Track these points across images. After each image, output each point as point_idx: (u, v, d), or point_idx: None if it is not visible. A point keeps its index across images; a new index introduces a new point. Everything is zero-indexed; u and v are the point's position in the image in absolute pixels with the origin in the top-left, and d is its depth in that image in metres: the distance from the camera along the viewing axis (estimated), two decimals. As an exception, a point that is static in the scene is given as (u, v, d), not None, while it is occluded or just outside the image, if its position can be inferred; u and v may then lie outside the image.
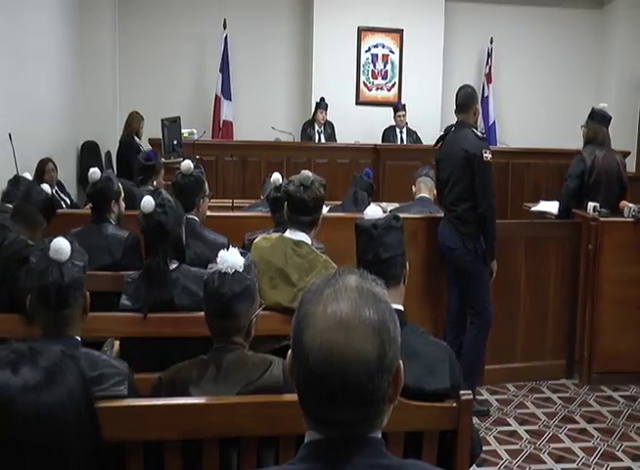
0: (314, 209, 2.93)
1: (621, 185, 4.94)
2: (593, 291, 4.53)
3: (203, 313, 2.09)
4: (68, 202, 5.78)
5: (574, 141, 5.14)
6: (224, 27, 8.73)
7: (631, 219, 4.59)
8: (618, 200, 4.90)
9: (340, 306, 1.02)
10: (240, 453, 1.93)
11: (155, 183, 4.43)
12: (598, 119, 4.95)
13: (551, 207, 5.29)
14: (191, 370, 1.98)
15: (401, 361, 1.06)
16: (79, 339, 1.91)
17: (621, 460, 3.59)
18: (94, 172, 3.46)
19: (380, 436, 1.07)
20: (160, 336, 2.61)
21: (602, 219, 4.54)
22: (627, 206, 4.75)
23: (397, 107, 8.35)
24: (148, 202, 2.70)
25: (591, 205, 4.68)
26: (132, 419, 1.84)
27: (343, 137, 8.30)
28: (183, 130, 6.97)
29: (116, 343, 2.73)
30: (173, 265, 2.72)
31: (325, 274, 1.10)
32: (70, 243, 1.91)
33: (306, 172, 3.01)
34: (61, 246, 1.88)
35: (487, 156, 3.89)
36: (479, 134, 3.99)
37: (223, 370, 1.97)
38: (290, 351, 1.07)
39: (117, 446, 1.82)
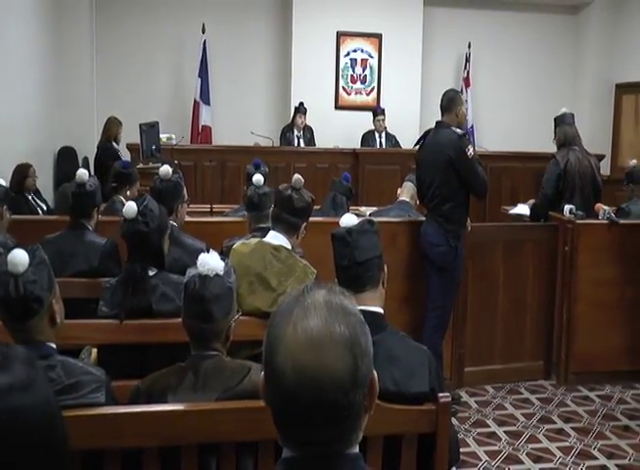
0: (301, 211, 2.97)
1: (596, 188, 5.00)
2: (570, 292, 4.58)
3: (181, 320, 2.08)
4: (45, 208, 5.72)
5: (552, 144, 5.20)
6: (203, 32, 8.72)
7: (606, 221, 4.65)
8: (593, 202, 4.97)
9: (309, 325, 1.01)
10: (219, 460, 1.92)
11: (128, 193, 4.39)
12: (561, 122, 5.02)
13: (528, 209, 5.35)
14: (169, 378, 1.97)
15: (375, 372, 1.05)
16: (54, 346, 1.89)
17: (597, 459, 3.63)
18: (83, 173, 3.43)
19: (357, 450, 1.07)
20: (138, 343, 2.60)
21: (578, 222, 4.60)
22: (602, 208, 4.82)
23: (376, 111, 8.38)
24: (130, 208, 2.68)
25: (567, 207, 4.74)
26: (110, 427, 1.84)
27: (323, 142, 8.32)
28: (161, 135, 6.95)
29: (94, 350, 2.71)
30: (152, 272, 2.70)
31: (293, 292, 1.09)
32: (32, 254, 1.86)
33: (298, 176, 3.06)
34: (17, 258, 1.83)
35: (470, 152, 3.95)
36: (458, 131, 4.04)
37: (201, 377, 1.96)
38: (262, 373, 1.06)
39: (95, 454, 1.81)
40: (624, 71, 9.54)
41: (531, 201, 5.23)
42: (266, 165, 4.51)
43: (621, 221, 4.68)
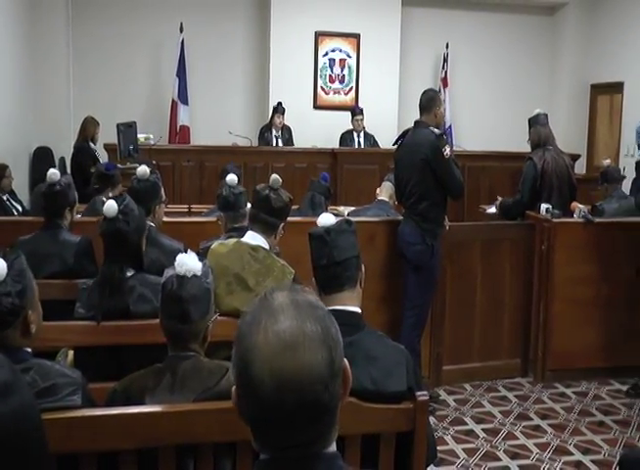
0: (278, 211, 2.97)
1: (571, 187, 5.06)
2: (546, 290, 4.63)
3: (158, 321, 2.07)
4: (20, 209, 5.66)
5: (528, 144, 5.26)
6: (181, 31, 8.68)
7: (582, 220, 4.71)
8: (569, 201, 5.03)
9: (281, 328, 1.00)
10: (196, 461, 1.92)
11: (110, 195, 4.37)
12: (535, 123, 5.07)
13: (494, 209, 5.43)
14: (146, 379, 1.96)
15: (345, 360, 1.06)
16: (29, 350, 1.87)
17: (573, 454, 3.68)
18: (53, 173, 3.39)
19: (334, 448, 1.07)
20: (115, 344, 2.59)
21: (554, 220, 4.65)
22: (578, 207, 4.88)
23: (355, 111, 8.41)
24: (111, 207, 2.67)
25: (544, 206, 4.79)
26: (86, 429, 1.82)
27: (301, 141, 8.32)
28: (139, 135, 6.91)
29: (70, 352, 2.69)
30: (129, 273, 2.69)
31: (253, 301, 1.07)
32: (10, 264, 1.81)
33: (276, 176, 3.07)
34: None
35: (447, 152, 3.98)
36: (436, 131, 4.06)
37: (179, 378, 1.96)
38: (233, 389, 1.04)
39: (70, 457, 1.80)
40: (599, 72, 9.66)
41: (498, 201, 5.27)
42: (240, 168, 4.52)
43: (597, 220, 4.73)
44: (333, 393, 1.01)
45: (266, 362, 0.99)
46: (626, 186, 6.76)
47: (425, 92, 4.26)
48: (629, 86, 9.10)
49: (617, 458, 2.89)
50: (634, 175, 6.52)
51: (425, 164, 3.99)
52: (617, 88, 9.38)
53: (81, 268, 3.17)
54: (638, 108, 8.22)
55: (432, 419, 3.94)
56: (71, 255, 3.22)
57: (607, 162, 5.73)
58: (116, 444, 1.85)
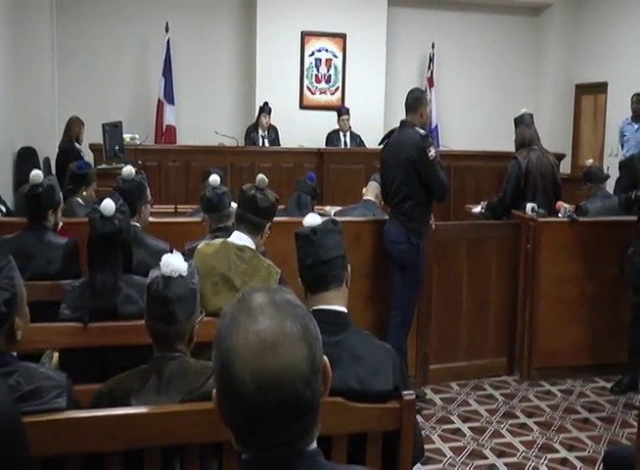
0: (265, 211, 2.97)
1: (556, 186, 5.10)
2: (532, 289, 4.66)
3: (144, 322, 2.07)
4: (4, 210, 5.61)
5: (514, 143, 5.29)
6: (166, 31, 8.65)
7: (567, 219, 4.74)
8: (554, 200, 5.06)
9: (261, 328, 1.00)
10: (183, 462, 1.92)
11: (84, 194, 4.35)
12: (520, 123, 5.12)
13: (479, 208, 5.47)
14: (132, 381, 1.96)
15: (325, 357, 1.06)
16: (14, 354, 1.86)
17: (558, 452, 3.71)
18: (36, 175, 3.36)
19: (315, 445, 1.07)
20: (101, 346, 2.57)
21: (540, 220, 4.67)
22: (563, 206, 4.91)
23: (341, 110, 8.42)
24: (109, 205, 2.64)
25: (529, 205, 4.82)
26: (72, 432, 1.81)
27: (287, 141, 8.32)
28: (125, 135, 6.87)
29: (55, 354, 2.67)
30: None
31: (230, 303, 1.07)
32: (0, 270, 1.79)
33: (262, 176, 3.07)
34: None
35: (432, 153, 3.98)
36: (422, 132, 4.07)
37: (165, 379, 1.95)
38: (214, 392, 1.04)
39: (56, 460, 1.79)
40: (584, 72, 9.74)
41: (485, 203, 5.32)
42: (223, 171, 4.54)
43: (581, 219, 4.77)
44: (314, 390, 1.02)
45: (247, 363, 0.99)
46: (610, 185, 6.83)
47: (411, 91, 4.26)
48: (613, 86, 9.18)
49: (602, 455, 2.91)
50: (618, 175, 6.58)
51: (409, 163, 4.00)
52: (600, 88, 9.45)
53: (68, 271, 3.15)
54: (621, 108, 8.27)
55: (418, 418, 3.95)
56: (58, 257, 3.20)
57: (589, 162, 5.78)
58: (102, 446, 1.84)
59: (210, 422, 1.88)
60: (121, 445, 1.85)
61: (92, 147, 6.98)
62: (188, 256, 2.97)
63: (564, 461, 3.61)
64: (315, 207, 4.71)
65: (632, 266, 4.36)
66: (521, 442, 3.80)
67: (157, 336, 2.03)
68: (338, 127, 8.39)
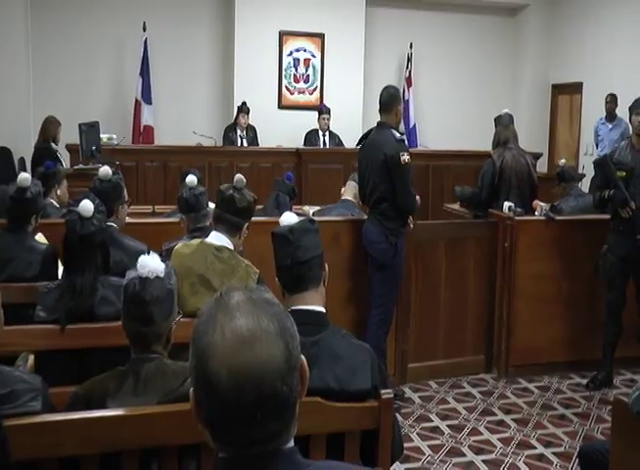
0: (243, 211, 2.97)
1: (532, 185, 5.16)
2: (510, 287, 4.70)
3: (121, 323, 2.06)
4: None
5: (492, 143, 5.35)
6: (144, 30, 8.59)
7: (543, 218, 4.79)
8: (531, 199, 5.12)
9: (237, 325, 1.00)
10: (161, 464, 1.91)
11: (58, 192, 4.31)
12: (498, 123, 5.21)
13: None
14: (108, 383, 1.94)
15: (302, 355, 1.07)
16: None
17: (536, 448, 3.75)
18: (25, 179, 3.33)
19: (292, 444, 1.07)
20: (78, 348, 2.55)
21: (517, 218, 4.72)
22: (539, 205, 4.97)
23: (322, 109, 8.42)
24: (87, 206, 2.62)
25: (506, 204, 4.86)
26: (47, 435, 1.79)
27: (266, 141, 8.31)
28: (102, 135, 6.83)
29: (31, 357, 2.65)
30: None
31: (208, 301, 1.07)
32: None
33: (240, 176, 3.06)
34: None
35: (405, 158, 4.00)
36: (397, 136, 4.09)
37: (142, 381, 1.94)
38: (191, 391, 1.04)
39: (32, 464, 1.77)
40: (560, 72, 9.85)
41: (460, 188, 5.40)
42: (199, 170, 4.55)
43: (557, 218, 4.82)
44: (291, 387, 1.02)
45: (223, 359, 0.99)
46: (586, 184, 6.91)
47: (386, 88, 4.25)
48: (588, 86, 9.29)
49: (577, 450, 2.95)
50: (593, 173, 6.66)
51: (385, 165, 4.03)
52: (576, 88, 9.56)
53: (46, 276, 3.12)
54: (596, 107, 8.38)
55: (397, 417, 3.96)
56: (37, 261, 3.17)
57: (562, 162, 5.86)
58: (78, 449, 1.82)
59: (188, 423, 1.87)
60: (98, 447, 1.83)
61: (69, 147, 6.91)
62: (165, 256, 2.96)
63: (540, 457, 3.65)
64: (294, 206, 4.71)
65: (605, 264, 4.42)
66: (498, 438, 3.84)
67: (134, 337, 2.02)
68: (317, 127, 8.39)
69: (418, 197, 4.23)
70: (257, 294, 1.07)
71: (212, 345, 1.00)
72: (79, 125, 6.25)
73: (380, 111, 4.20)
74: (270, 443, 1.03)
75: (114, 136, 7.36)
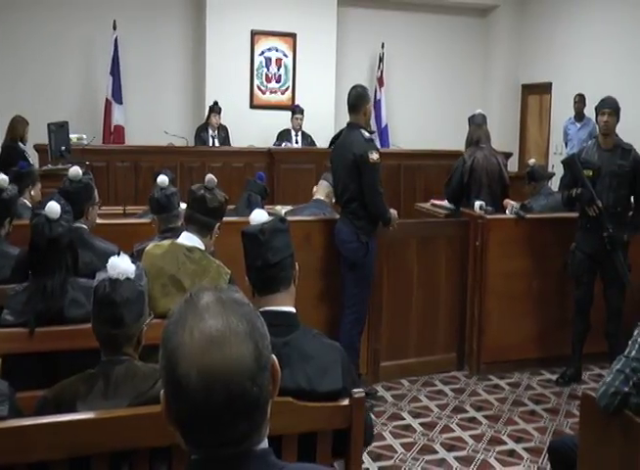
0: (214, 211, 2.96)
1: (503, 184, 5.22)
2: (481, 286, 4.75)
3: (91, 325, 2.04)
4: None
5: (463, 142, 5.41)
6: (114, 29, 8.50)
7: (514, 216, 4.85)
8: (502, 198, 5.18)
9: (207, 325, 1.01)
10: (132, 467, 1.89)
11: (32, 193, 4.26)
12: (471, 122, 5.28)
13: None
14: (78, 386, 1.93)
15: (273, 356, 1.07)
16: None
17: (506, 444, 3.80)
18: (3, 180, 3.27)
19: (266, 445, 1.07)
20: (47, 351, 2.52)
21: (488, 217, 4.77)
22: (510, 203, 5.03)
23: (295, 109, 8.42)
24: (54, 208, 2.58)
25: (477, 203, 4.92)
26: (14, 441, 1.77)
27: (238, 141, 8.29)
28: (71, 135, 6.74)
29: (-2, 361, 2.61)
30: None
31: (178, 302, 1.07)
32: None
33: (211, 176, 3.05)
34: None
35: (373, 157, 4.02)
36: (366, 135, 4.11)
37: (112, 383, 1.93)
38: (161, 393, 1.04)
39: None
40: (530, 73, 9.97)
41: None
42: (171, 171, 4.54)
43: (528, 216, 4.88)
44: (261, 387, 1.02)
45: (193, 359, 0.99)
46: (556, 183, 7.01)
47: (354, 88, 4.26)
48: (557, 86, 9.42)
49: (547, 445, 3.00)
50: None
51: (354, 165, 4.05)
52: (545, 88, 9.69)
53: (18, 281, 3.07)
54: (565, 107, 8.51)
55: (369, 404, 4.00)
56: (8, 266, 3.12)
57: (531, 161, 5.94)
58: (47, 454, 1.80)
59: (159, 425, 1.86)
60: (67, 452, 1.81)
61: (37, 147, 6.82)
62: (137, 257, 2.94)
63: (511, 453, 3.69)
64: (266, 206, 4.70)
65: (574, 261, 4.49)
66: (470, 435, 3.88)
67: (104, 340, 2.00)
68: (289, 127, 8.39)
69: (395, 211, 4.24)
70: (227, 294, 1.07)
71: (182, 345, 1.00)
72: (48, 125, 6.17)
73: (349, 111, 4.22)
74: (241, 443, 1.03)
75: (84, 136, 7.28)
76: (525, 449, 3.73)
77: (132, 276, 2.01)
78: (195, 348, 0.99)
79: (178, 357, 1.00)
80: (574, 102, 8.11)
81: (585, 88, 8.02)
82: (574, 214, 4.60)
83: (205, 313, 1.02)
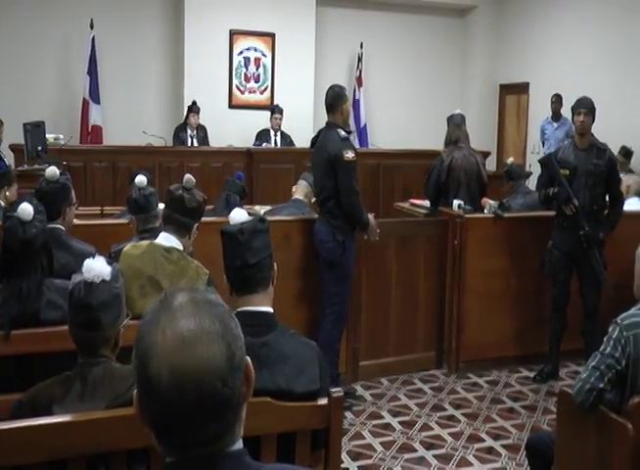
0: (192, 211, 2.95)
1: (481, 183, 5.27)
2: (459, 284, 4.78)
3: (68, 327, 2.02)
4: None
5: (442, 142, 5.45)
6: (91, 28, 8.42)
7: (492, 215, 4.89)
8: (480, 197, 5.22)
9: (180, 325, 1.01)
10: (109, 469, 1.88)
11: (7, 193, 4.22)
12: (450, 122, 5.32)
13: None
14: (54, 388, 1.91)
15: (248, 357, 1.08)
16: None
17: (485, 441, 3.83)
18: None
19: (241, 445, 1.08)
20: (23, 353, 2.50)
21: (466, 216, 4.80)
22: (488, 202, 5.07)
23: (274, 109, 8.41)
24: (27, 209, 2.55)
25: (456, 202, 4.95)
26: (-10, 444, 1.76)
27: (217, 141, 8.26)
28: (48, 135, 6.67)
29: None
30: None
31: (155, 300, 1.08)
32: None
33: (189, 176, 3.04)
34: None
35: (348, 155, 4.03)
36: (342, 134, 4.11)
37: (90, 385, 1.91)
38: (135, 392, 1.04)
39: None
40: (507, 73, 10.05)
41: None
42: (149, 171, 4.51)
43: (506, 215, 4.92)
44: (233, 388, 1.02)
45: (164, 359, 0.99)
46: (534, 182, 7.07)
47: (331, 88, 4.27)
48: (534, 86, 9.52)
49: (525, 441, 3.03)
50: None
51: (330, 164, 4.06)
52: (522, 88, 9.78)
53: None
54: (542, 107, 8.59)
55: (349, 415, 4.01)
56: None
57: (510, 160, 6.00)
58: (23, 458, 1.78)
59: (136, 427, 1.85)
60: (43, 456, 1.79)
61: (12, 147, 6.74)
62: (114, 258, 2.92)
63: (490, 450, 3.73)
64: (245, 206, 4.70)
65: (551, 259, 4.54)
66: (449, 433, 3.90)
67: (80, 342, 1.99)
68: (268, 127, 8.38)
69: (375, 222, 4.24)
70: (201, 295, 1.07)
71: (154, 345, 1.01)
72: (24, 125, 6.10)
73: (326, 111, 4.24)
74: (214, 444, 1.03)
75: (61, 136, 7.20)
76: (504, 446, 3.76)
77: (108, 278, 1.99)
78: (167, 347, 1.00)
79: (150, 357, 1.00)
80: (551, 102, 8.20)
81: (562, 88, 8.11)
82: (552, 213, 4.64)
83: (178, 313, 1.03)
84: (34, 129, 6.19)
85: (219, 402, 1.01)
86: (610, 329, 2.39)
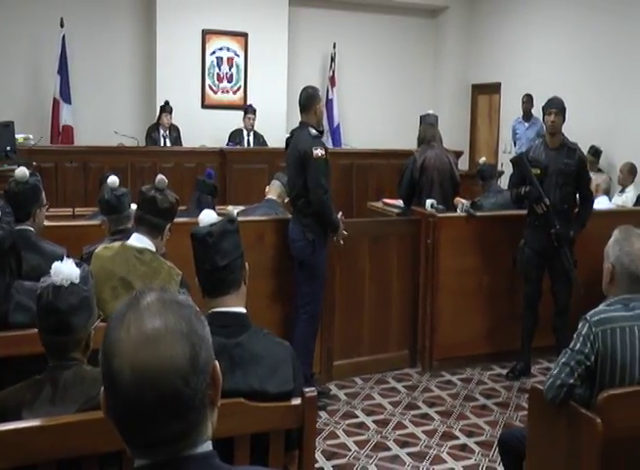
0: (164, 212, 2.93)
1: (454, 183, 5.30)
2: (432, 283, 4.81)
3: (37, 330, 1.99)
4: None
5: (415, 141, 5.48)
6: (61, 26, 8.30)
7: (464, 214, 4.93)
8: (453, 196, 5.26)
9: (144, 323, 1.02)
10: (80, 474, 1.86)
11: None
12: (423, 122, 5.38)
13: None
14: (24, 392, 1.88)
15: (216, 361, 1.07)
16: None
17: (458, 438, 3.87)
18: None
19: (210, 447, 1.07)
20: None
21: (439, 215, 4.83)
22: (460, 202, 5.11)
23: (247, 109, 8.39)
24: None
25: (429, 202, 4.98)
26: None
27: (189, 141, 8.21)
28: (17, 135, 6.59)
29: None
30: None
31: (125, 299, 1.08)
32: None
33: (161, 176, 3.02)
34: None
35: (317, 152, 4.04)
36: (313, 132, 4.12)
37: (60, 389, 1.89)
38: (102, 389, 1.05)
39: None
40: (479, 73, 10.14)
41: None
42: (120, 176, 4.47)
43: (478, 214, 4.97)
44: (195, 389, 1.02)
45: (126, 356, 1.00)
46: (506, 181, 7.15)
47: (304, 89, 4.29)
48: (505, 87, 9.62)
49: (497, 438, 3.06)
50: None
51: (300, 162, 4.07)
52: (494, 88, 9.88)
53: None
54: (514, 107, 8.69)
55: (323, 414, 4.02)
56: None
57: (482, 160, 6.06)
58: (-8, 464, 1.76)
59: (108, 431, 1.83)
60: (13, 461, 1.77)
61: (-19, 148, 6.63)
62: (86, 260, 2.89)
63: (463, 447, 3.76)
64: (218, 206, 4.68)
65: (523, 258, 4.59)
66: (423, 431, 3.93)
67: (50, 346, 1.96)
68: (241, 126, 8.36)
69: (340, 215, 4.24)
70: (170, 295, 1.07)
71: (118, 342, 1.01)
72: (-8, 125, 6.02)
73: (300, 111, 4.26)
74: (177, 443, 1.03)
75: (31, 136, 7.12)
76: (477, 443, 3.80)
77: (77, 281, 1.96)
78: (130, 344, 1.01)
79: (114, 353, 1.01)
80: (522, 102, 8.29)
81: (533, 88, 8.21)
82: (523, 212, 4.69)
83: (145, 312, 1.03)
84: (3, 129, 6.12)
85: (180, 402, 1.01)
86: (579, 325, 2.42)
